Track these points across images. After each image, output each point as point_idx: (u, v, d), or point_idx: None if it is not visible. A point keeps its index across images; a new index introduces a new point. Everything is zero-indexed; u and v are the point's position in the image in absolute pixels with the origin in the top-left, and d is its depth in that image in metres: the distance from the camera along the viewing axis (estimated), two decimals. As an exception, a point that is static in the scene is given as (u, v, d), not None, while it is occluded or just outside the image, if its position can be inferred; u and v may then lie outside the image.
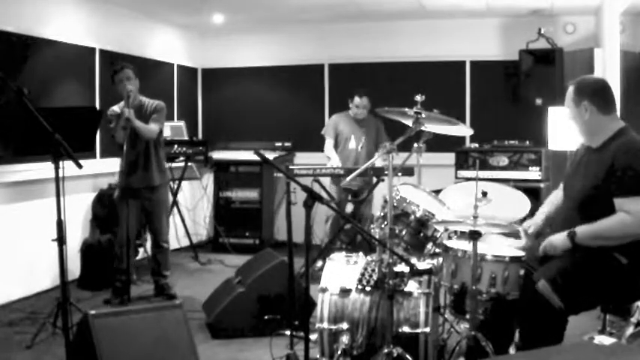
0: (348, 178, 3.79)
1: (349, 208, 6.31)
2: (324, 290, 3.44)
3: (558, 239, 3.02)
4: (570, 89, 3.12)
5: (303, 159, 7.13)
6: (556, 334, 2.93)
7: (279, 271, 4.27)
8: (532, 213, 3.50)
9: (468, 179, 5.59)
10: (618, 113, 3.17)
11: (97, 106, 5.79)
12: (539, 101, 6.15)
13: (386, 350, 3.12)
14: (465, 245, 3.24)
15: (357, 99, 6.01)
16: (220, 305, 4.33)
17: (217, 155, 7.11)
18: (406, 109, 3.49)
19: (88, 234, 5.76)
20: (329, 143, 6.11)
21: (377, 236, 3.45)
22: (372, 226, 3.64)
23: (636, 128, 3.12)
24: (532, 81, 6.24)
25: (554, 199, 3.43)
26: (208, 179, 7.36)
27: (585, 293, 2.95)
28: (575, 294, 2.91)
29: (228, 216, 7.07)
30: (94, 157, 5.80)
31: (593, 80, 3.22)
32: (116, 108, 4.86)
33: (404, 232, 3.50)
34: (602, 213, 2.93)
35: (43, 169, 4.48)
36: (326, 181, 5.96)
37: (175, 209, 6.64)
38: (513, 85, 6.54)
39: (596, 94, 3.07)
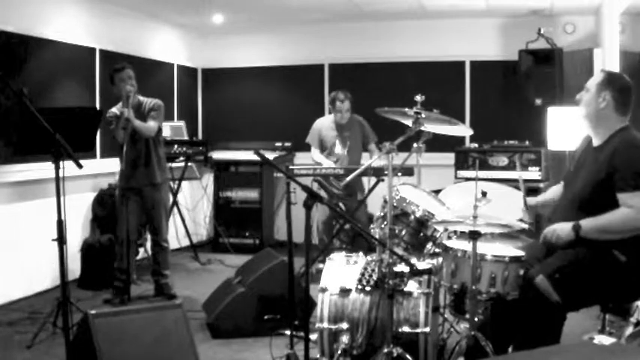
0: (348, 178, 3.79)
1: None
2: (324, 290, 3.44)
3: (563, 230, 3.02)
4: (601, 75, 3.14)
5: (303, 159, 7.12)
6: (553, 331, 2.93)
7: (279, 271, 4.27)
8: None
9: (467, 179, 5.59)
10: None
11: (97, 106, 5.79)
12: (538, 101, 6.14)
13: (386, 350, 3.12)
14: (465, 245, 3.24)
15: (338, 104, 5.77)
16: (220, 305, 4.33)
17: (217, 155, 7.11)
18: (406, 109, 3.48)
19: (88, 234, 5.77)
20: (315, 151, 5.98)
21: (377, 236, 3.45)
22: (371, 226, 3.64)
23: (636, 129, 3.12)
24: (532, 81, 6.24)
25: (555, 190, 3.45)
26: (208, 179, 7.36)
27: (583, 289, 2.96)
28: (572, 290, 2.92)
29: (228, 216, 7.07)
30: (94, 157, 5.79)
31: (624, 78, 3.19)
32: (115, 110, 4.86)
33: (404, 232, 3.50)
34: (603, 210, 2.94)
35: (43, 169, 4.48)
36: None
37: (175, 209, 6.64)
38: (513, 85, 6.54)
39: (622, 92, 3.08)
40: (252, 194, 7.04)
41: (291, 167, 5.77)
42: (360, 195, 5.73)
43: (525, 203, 3.38)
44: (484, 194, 3.24)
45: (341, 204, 5.91)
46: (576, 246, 3.00)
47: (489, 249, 3.27)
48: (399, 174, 4.04)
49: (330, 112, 6.04)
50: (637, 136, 3.05)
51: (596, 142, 3.15)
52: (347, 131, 5.93)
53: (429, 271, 3.19)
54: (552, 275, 2.91)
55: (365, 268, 3.49)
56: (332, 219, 5.94)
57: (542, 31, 6.27)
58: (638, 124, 3.22)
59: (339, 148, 5.94)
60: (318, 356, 3.43)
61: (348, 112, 5.85)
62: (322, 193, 5.61)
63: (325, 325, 3.38)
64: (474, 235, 3.05)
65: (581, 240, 2.98)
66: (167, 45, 7.22)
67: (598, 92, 3.08)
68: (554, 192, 3.47)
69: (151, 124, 4.84)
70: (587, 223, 2.96)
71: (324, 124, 6.02)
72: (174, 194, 6.54)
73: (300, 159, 7.23)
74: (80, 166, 3.39)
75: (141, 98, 4.96)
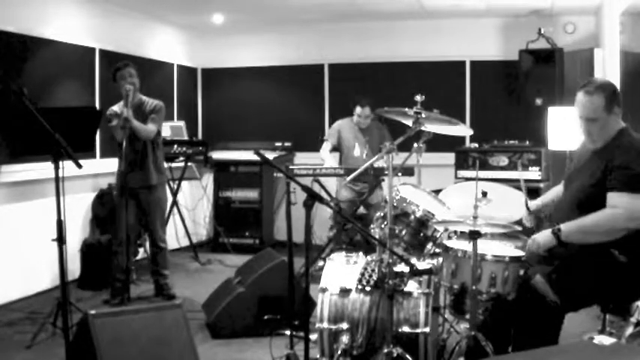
0: (349, 178, 3.79)
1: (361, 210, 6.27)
2: (324, 290, 3.44)
3: (543, 236, 3.02)
4: (601, 97, 2.96)
5: (303, 159, 7.13)
6: (551, 332, 2.93)
7: (279, 271, 4.27)
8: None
9: (467, 179, 5.59)
10: None
11: (97, 106, 5.79)
12: (539, 101, 6.15)
13: (386, 350, 3.12)
14: (465, 245, 3.24)
15: (358, 109, 5.98)
16: (220, 305, 4.33)
17: (217, 155, 7.11)
18: (406, 109, 3.49)
19: (88, 234, 5.77)
20: (326, 146, 6.07)
21: (377, 236, 3.45)
22: (371, 226, 3.64)
23: (636, 129, 3.12)
24: (532, 81, 6.24)
25: (555, 190, 3.45)
26: (208, 179, 7.36)
27: (581, 290, 2.96)
28: (570, 290, 2.92)
29: (228, 216, 7.07)
30: (94, 157, 5.80)
31: (607, 81, 3.14)
32: (115, 108, 4.87)
33: (404, 232, 3.50)
34: None
35: (43, 169, 4.48)
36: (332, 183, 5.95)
37: (175, 209, 6.63)
38: (513, 85, 6.54)
39: (617, 95, 3.04)
40: (252, 194, 7.04)
41: (291, 167, 5.79)
42: (375, 198, 5.74)
43: (528, 207, 3.37)
44: (484, 194, 3.25)
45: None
46: (572, 252, 2.98)
47: (489, 249, 3.27)
48: (399, 174, 4.05)
49: (329, 117, 6.13)
50: (635, 138, 3.04)
51: (595, 146, 3.13)
52: (367, 136, 6.06)
53: (429, 271, 3.19)
54: (550, 275, 2.91)
55: (365, 268, 3.49)
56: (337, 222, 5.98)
57: (542, 31, 6.27)
58: (638, 125, 3.22)
59: (357, 151, 6.00)
60: (318, 356, 3.43)
61: (367, 119, 6.03)
62: (323, 194, 5.64)
63: (325, 325, 3.38)
64: (474, 235, 3.05)
65: (564, 244, 2.97)
66: (167, 45, 7.22)
67: (609, 112, 2.98)
68: (554, 193, 3.47)
69: (150, 127, 4.84)
70: (568, 225, 2.96)
71: (345, 126, 6.17)
72: (174, 194, 6.53)
73: (300, 159, 7.24)
74: (80, 166, 3.38)
75: (143, 98, 4.97)
